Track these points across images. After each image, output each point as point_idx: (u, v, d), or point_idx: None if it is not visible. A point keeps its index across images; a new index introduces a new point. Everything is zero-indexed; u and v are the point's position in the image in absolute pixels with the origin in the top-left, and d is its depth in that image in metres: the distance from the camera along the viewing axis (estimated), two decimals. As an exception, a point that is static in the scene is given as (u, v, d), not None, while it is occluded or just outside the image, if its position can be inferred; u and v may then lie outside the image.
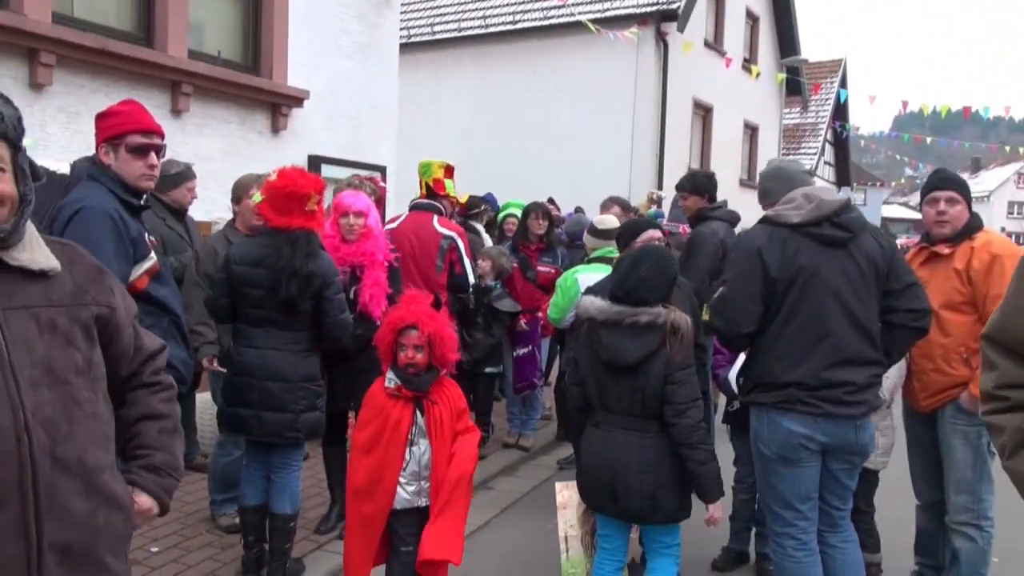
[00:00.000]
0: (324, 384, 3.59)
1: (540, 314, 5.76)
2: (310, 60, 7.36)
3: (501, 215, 6.82)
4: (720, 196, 4.99)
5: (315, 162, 7.38)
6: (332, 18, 7.64)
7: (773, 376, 2.77)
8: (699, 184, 4.85)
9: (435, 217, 5.15)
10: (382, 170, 8.20)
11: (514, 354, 5.75)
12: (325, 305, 3.43)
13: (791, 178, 3.02)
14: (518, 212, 6.39)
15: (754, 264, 2.76)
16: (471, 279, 5.15)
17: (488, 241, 6.37)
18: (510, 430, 6.02)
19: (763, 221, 2.88)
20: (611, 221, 4.65)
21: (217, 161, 6.44)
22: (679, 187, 4.94)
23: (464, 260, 5.16)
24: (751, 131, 19.41)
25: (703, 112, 16.71)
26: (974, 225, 3.23)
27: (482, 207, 7.01)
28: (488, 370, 5.64)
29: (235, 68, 6.64)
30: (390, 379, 3.04)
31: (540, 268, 5.83)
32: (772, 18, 19.61)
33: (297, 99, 7.08)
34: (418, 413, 3.04)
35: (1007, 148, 29.73)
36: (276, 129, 7.04)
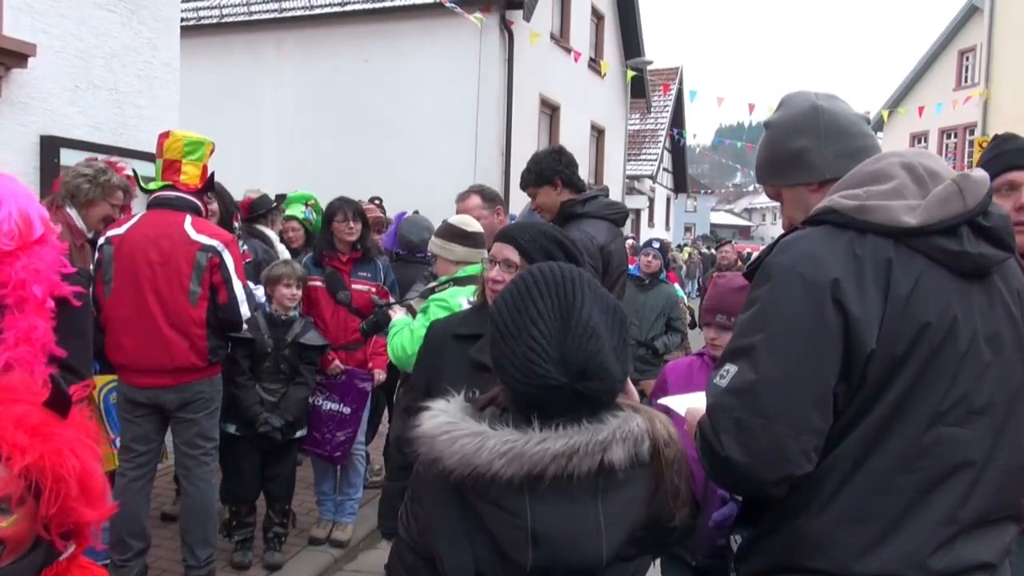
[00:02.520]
0: None
1: (369, 363, 4.16)
2: (42, 4, 5.35)
3: (272, 208, 5.14)
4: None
5: (52, 145, 5.37)
6: (79, -48, 5.64)
7: (834, 558, 1.36)
8: (546, 169, 3.39)
9: (188, 217, 3.47)
10: (154, 159, 6.26)
11: (313, 404, 4.08)
12: None
13: (846, 130, 1.59)
14: (300, 213, 4.75)
15: (823, 319, 1.34)
16: (244, 311, 3.49)
17: (284, 252, 4.68)
18: (320, 517, 4.35)
19: (826, 221, 1.45)
20: (474, 222, 3.13)
21: None
22: (522, 184, 3.50)
23: (233, 282, 3.51)
24: (598, 133, 18.64)
25: (550, 110, 15.64)
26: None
27: (273, 206, 5.29)
28: (299, 434, 3.98)
29: (-93, 2, 4.55)
30: None
31: (355, 286, 4.20)
32: (617, 18, 18.97)
33: (17, 55, 5.05)
34: None
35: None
36: (-16, 96, 4.98)
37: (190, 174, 3.53)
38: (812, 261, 1.38)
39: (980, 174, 1.44)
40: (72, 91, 5.61)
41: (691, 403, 1.64)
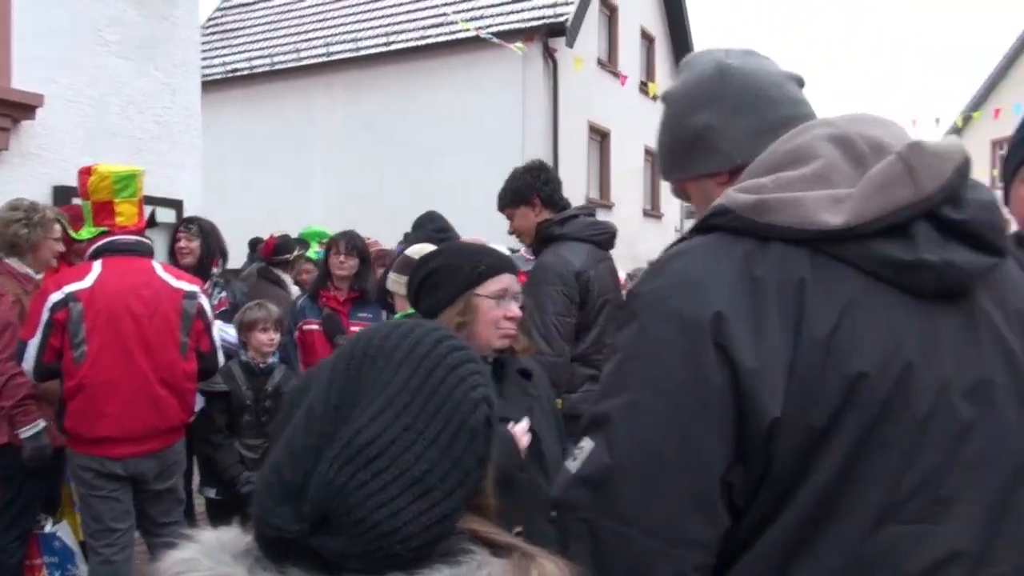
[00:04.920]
0: None
1: None
2: (55, 55, 5.35)
3: (295, 254, 4.92)
4: (620, 230, 3.27)
5: (64, 195, 5.31)
6: (93, 1, 5.65)
7: None
8: (522, 187, 3.06)
9: (154, 263, 3.29)
10: (177, 205, 6.20)
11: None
12: None
13: (764, 96, 1.17)
14: (314, 253, 4.53)
15: (700, 375, 0.94)
16: (220, 359, 3.30)
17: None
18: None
19: (718, 225, 1.04)
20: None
21: None
22: (499, 205, 3.17)
23: (212, 329, 3.37)
24: (653, 158, 18.16)
25: (600, 137, 15.32)
26: None
27: (295, 252, 5.07)
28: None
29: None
30: None
31: (354, 329, 3.92)
32: (668, 39, 18.60)
33: (25, 107, 5.04)
34: None
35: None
36: (-7, 149, 4.96)
37: (127, 214, 3.26)
38: (690, 288, 0.97)
39: (943, 143, 0.99)
40: (85, 140, 5.57)
41: None
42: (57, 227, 3.42)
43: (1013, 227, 1.52)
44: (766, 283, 0.95)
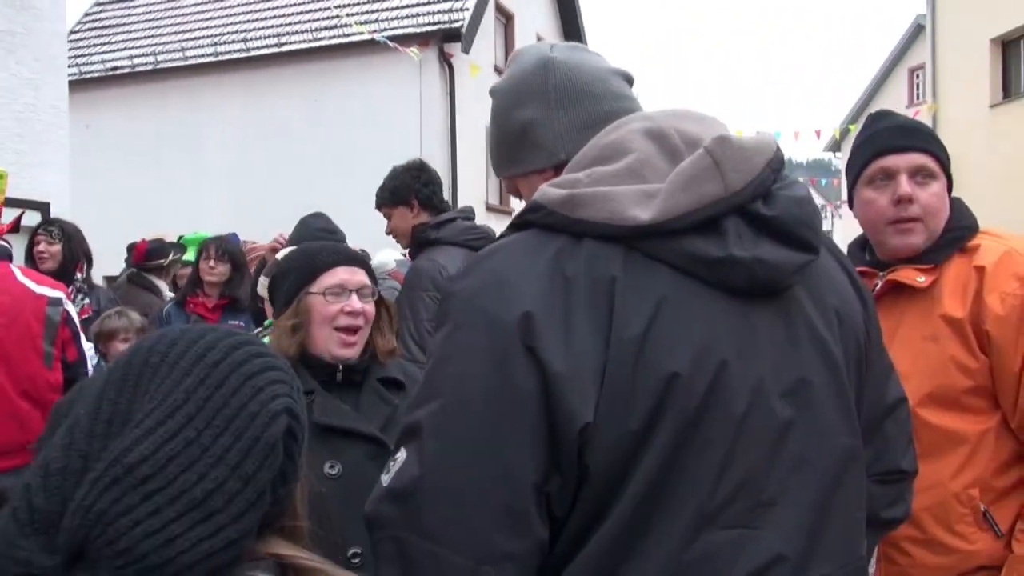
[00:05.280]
0: None
1: None
2: None
3: (171, 259, 4.71)
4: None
5: (-89, 196, 4.88)
6: (-58, -11, 5.24)
7: None
8: (400, 187, 2.97)
9: (13, 267, 3.07)
10: (42, 207, 5.81)
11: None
12: None
13: (586, 91, 1.12)
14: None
15: (508, 380, 0.88)
16: (90, 369, 3.10)
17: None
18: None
19: (532, 223, 0.99)
20: None
21: None
22: (376, 203, 3.09)
23: (80, 338, 3.14)
24: (551, 164, 18.40)
25: (498, 143, 15.37)
26: (964, 222, 1.60)
27: (171, 256, 4.81)
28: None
29: None
30: None
31: (226, 339, 3.74)
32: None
33: None
34: None
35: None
36: None
37: None
38: (498, 287, 0.92)
39: (753, 138, 0.98)
40: (-66, 137, 5.16)
41: None
42: None
43: (834, 230, 1.56)
44: (577, 282, 0.91)
